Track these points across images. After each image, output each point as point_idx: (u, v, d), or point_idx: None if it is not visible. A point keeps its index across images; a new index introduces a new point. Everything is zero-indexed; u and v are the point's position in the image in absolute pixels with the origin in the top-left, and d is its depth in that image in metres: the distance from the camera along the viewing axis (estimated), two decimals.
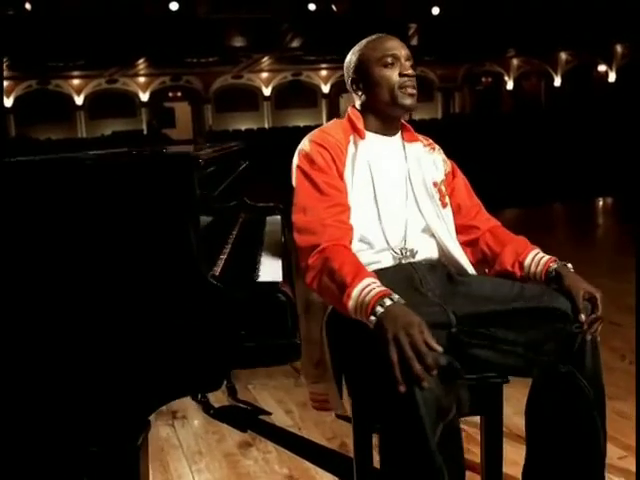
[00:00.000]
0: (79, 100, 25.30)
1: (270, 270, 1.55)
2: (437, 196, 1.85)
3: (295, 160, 1.78)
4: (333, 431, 2.49)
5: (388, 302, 1.43)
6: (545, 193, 8.69)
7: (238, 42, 24.60)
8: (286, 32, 24.43)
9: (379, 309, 1.42)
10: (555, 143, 12.43)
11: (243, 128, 22.95)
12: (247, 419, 2.65)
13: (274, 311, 1.23)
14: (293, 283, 1.60)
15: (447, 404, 1.40)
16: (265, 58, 25.62)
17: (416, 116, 23.00)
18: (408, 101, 1.80)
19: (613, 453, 2.19)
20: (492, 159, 10.38)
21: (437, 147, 1.98)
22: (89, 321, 1.19)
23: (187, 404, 2.80)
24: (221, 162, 1.82)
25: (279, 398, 2.84)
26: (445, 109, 29.12)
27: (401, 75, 1.80)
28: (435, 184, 1.86)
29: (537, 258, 1.79)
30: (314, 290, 1.63)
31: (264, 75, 26.78)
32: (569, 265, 1.77)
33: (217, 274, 1.34)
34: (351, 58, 1.87)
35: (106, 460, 1.21)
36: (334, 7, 24.20)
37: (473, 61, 27.46)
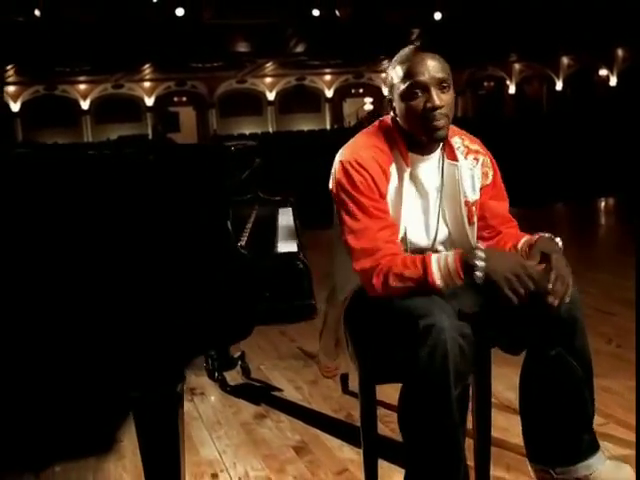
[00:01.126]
0: (85, 105, 25.57)
1: (287, 246, 1.78)
2: (466, 215, 1.93)
3: (336, 175, 1.83)
4: (340, 405, 2.70)
5: (479, 253, 1.66)
6: (547, 194, 8.90)
7: (242, 47, 24.87)
8: (290, 37, 24.69)
9: (480, 263, 1.65)
10: (557, 145, 12.59)
11: (247, 132, 23.18)
12: (260, 395, 2.87)
13: (293, 276, 1.46)
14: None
15: (464, 370, 1.65)
16: (269, 63, 25.88)
17: None
18: (435, 134, 1.78)
19: (596, 421, 2.40)
20: (495, 160, 10.60)
21: (482, 157, 1.97)
22: (155, 275, 1.43)
23: (204, 382, 3.02)
24: (241, 156, 2.04)
25: (289, 377, 3.06)
26: None
27: (425, 109, 1.77)
28: (467, 203, 1.92)
29: (527, 239, 1.92)
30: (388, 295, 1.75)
31: (268, 80, 27.03)
32: (557, 239, 1.87)
33: (243, 245, 1.57)
34: (386, 76, 1.90)
35: (155, 401, 1.44)
36: (338, 12, 24.44)
37: (476, 66, 27.66)
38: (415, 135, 1.83)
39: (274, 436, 2.48)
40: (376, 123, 1.95)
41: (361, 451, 2.01)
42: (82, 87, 25.31)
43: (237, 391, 2.92)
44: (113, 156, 1.54)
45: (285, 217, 2.57)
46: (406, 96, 1.79)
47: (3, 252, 1.42)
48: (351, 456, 2.26)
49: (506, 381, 2.58)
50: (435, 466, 1.68)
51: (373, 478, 1.99)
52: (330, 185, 1.89)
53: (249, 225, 2.15)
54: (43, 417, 2.80)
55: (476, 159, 1.97)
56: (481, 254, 1.65)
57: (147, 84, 26.03)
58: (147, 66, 24.86)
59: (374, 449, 2.00)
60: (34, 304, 1.44)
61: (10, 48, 20.12)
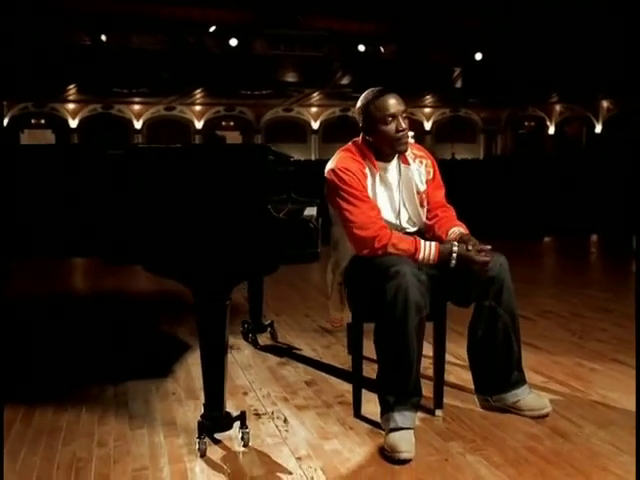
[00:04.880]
0: (138, 124, 26.81)
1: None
2: (419, 201, 2.74)
3: (331, 179, 2.60)
4: (345, 360, 3.44)
5: (454, 252, 2.49)
6: (583, 226, 9.62)
7: (290, 77, 25.95)
8: (336, 70, 25.71)
9: (453, 257, 2.49)
10: (594, 184, 13.01)
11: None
12: (284, 351, 3.65)
13: (307, 232, 2.25)
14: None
15: (419, 303, 2.42)
16: (315, 93, 26.89)
17: (458, 156, 23.91)
18: (402, 148, 2.63)
19: (539, 379, 3.13)
20: (532, 195, 11.17)
21: (425, 160, 2.77)
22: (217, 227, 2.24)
23: (240, 342, 3.81)
24: (278, 154, 2.86)
25: (308, 342, 3.83)
26: (487, 150, 29.91)
27: (397, 131, 2.57)
28: (418, 192, 2.75)
29: (456, 232, 2.69)
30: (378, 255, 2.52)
31: (313, 109, 28.03)
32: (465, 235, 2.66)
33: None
34: (359, 108, 2.62)
35: (216, 308, 2.25)
36: (382, 49, 25.42)
37: (516, 105, 28.29)
38: (384, 149, 2.64)
39: (291, 375, 3.25)
40: (350, 144, 2.74)
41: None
42: (136, 108, 26.59)
43: (266, 349, 3.71)
44: (200, 150, 2.36)
45: (310, 211, 3.36)
46: (382, 122, 2.58)
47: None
48: (347, 388, 3.00)
49: (459, 341, 3.30)
50: (396, 369, 2.44)
51: (358, 401, 2.74)
52: (325, 190, 2.68)
53: (283, 211, 2.95)
54: (123, 349, 3.66)
55: (421, 162, 2.79)
56: (454, 254, 2.50)
57: (198, 108, 27.20)
58: (199, 91, 26.06)
59: (360, 378, 2.74)
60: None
61: (74, 69, 21.57)
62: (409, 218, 2.75)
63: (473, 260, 2.51)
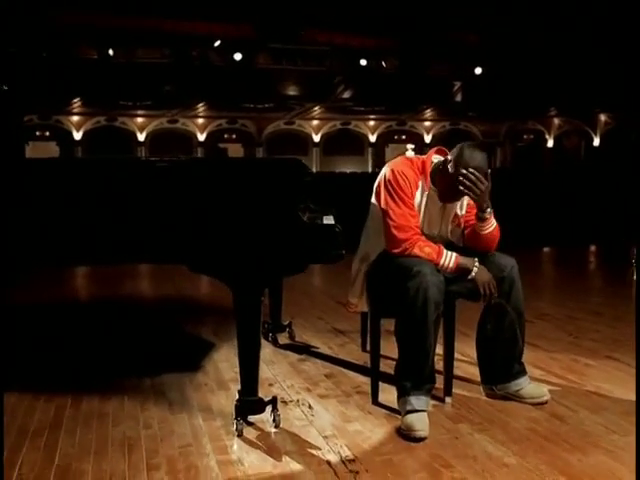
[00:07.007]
0: (141, 137, 27.09)
1: (328, 222, 2.88)
2: (455, 222, 3.04)
3: (388, 176, 2.90)
4: (359, 357, 3.74)
5: (475, 269, 2.81)
6: (582, 237, 9.94)
7: (292, 91, 26.29)
8: (338, 84, 26.05)
9: (475, 269, 2.80)
10: (592, 196, 13.28)
11: None
12: (302, 349, 3.95)
13: (332, 235, 2.56)
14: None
15: (437, 300, 2.72)
16: (317, 107, 27.21)
17: None
18: (444, 199, 2.92)
19: (538, 373, 3.42)
20: (531, 207, 11.45)
21: None
22: (256, 239, 2.54)
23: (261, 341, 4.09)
24: (305, 167, 3.18)
25: (324, 341, 4.12)
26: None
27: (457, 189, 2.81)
28: (456, 215, 3.04)
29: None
30: (405, 256, 2.84)
31: (315, 122, 28.35)
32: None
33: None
34: (455, 149, 2.85)
35: (253, 302, 2.55)
36: (384, 63, 25.82)
37: (515, 118, 28.65)
38: (439, 184, 2.92)
39: (311, 369, 3.55)
40: (415, 157, 3.02)
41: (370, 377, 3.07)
42: (140, 120, 26.87)
43: (285, 347, 4.01)
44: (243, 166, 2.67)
45: (328, 219, 3.67)
46: (454, 176, 2.81)
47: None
48: (364, 380, 3.29)
49: (469, 343, 3.57)
50: (414, 358, 2.74)
51: (375, 390, 3.04)
52: (377, 184, 2.99)
53: (305, 217, 3.26)
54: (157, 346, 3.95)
55: None
56: (475, 267, 2.81)
57: (200, 120, 27.49)
58: (202, 104, 26.37)
59: (378, 369, 3.04)
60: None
61: (80, 82, 21.96)
62: (439, 234, 3.03)
63: (487, 280, 2.84)
